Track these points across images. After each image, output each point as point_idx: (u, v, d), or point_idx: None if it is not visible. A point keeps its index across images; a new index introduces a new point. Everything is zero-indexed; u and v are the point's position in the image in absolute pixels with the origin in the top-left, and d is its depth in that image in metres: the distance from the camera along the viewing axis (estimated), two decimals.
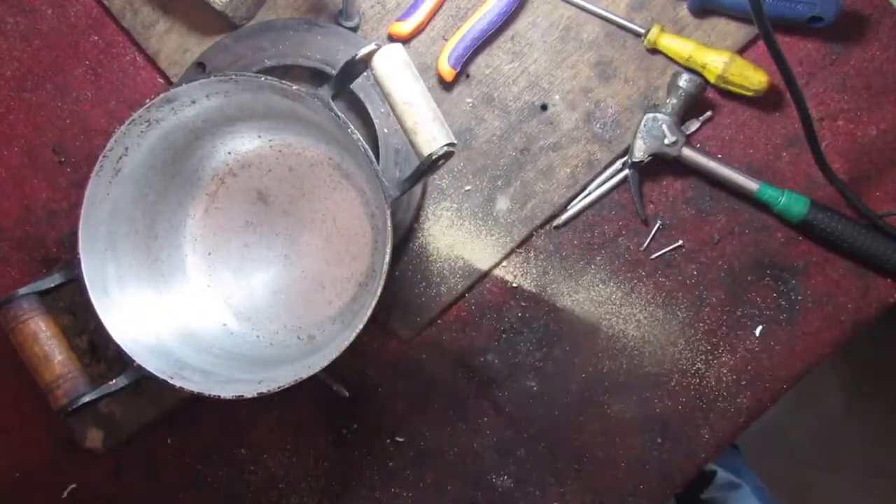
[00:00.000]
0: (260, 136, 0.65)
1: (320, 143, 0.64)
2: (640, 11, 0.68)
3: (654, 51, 0.68)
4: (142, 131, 0.57)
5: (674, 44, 0.67)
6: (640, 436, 0.68)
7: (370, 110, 0.66)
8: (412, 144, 0.53)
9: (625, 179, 0.67)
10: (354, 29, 0.69)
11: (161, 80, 0.70)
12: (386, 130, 0.66)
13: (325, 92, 0.54)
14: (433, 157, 0.52)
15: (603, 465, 0.68)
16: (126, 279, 0.59)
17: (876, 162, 0.67)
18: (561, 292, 0.68)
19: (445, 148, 0.52)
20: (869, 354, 1.38)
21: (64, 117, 0.70)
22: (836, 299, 0.67)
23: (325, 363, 0.53)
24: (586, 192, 0.69)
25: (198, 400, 0.55)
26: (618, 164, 0.68)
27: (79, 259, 0.55)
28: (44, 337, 0.56)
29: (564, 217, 0.68)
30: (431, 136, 0.52)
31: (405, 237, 0.68)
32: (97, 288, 0.55)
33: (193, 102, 0.57)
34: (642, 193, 0.68)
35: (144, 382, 0.61)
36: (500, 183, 0.69)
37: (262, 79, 0.54)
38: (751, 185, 0.66)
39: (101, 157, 0.55)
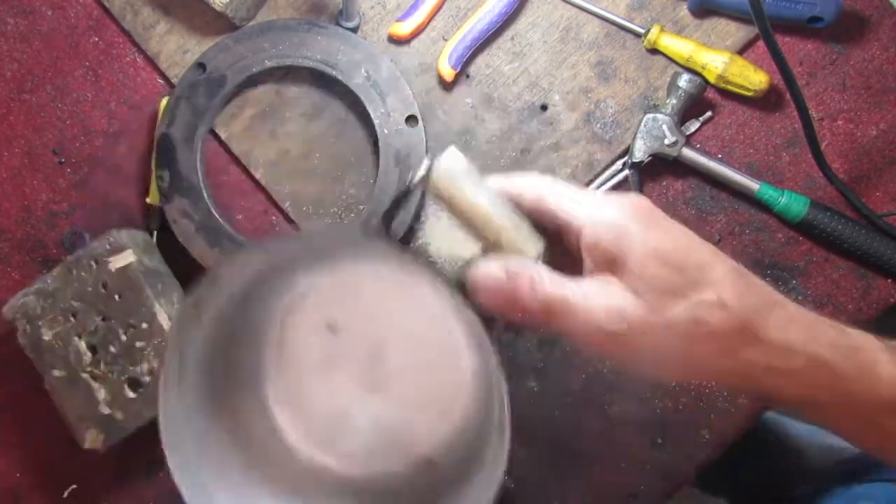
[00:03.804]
0: (311, 264, 0.58)
1: (375, 256, 0.57)
2: (640, 11, 0.68)
3: (654, 51, 0.68)
4: (193, 322, 0.50)
5: (674, 44, 0.67)
6: (640, 436, 0.68)
7: (370, 111, 0.66)
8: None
9: (625, 180, 0.67)
10: (355, 29, 0.69)
11: (161, 81, 0.70)
12: (386, 131, 0.66)
13: (377, 234, 0.48)
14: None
15: (603, 465, 0.68)
16: (235, 488, 0.53)
17: (876, 162, 0.67)
18: None
19: (539, 255, 0.46)
20: None
21: (64, 118, 0.71)
22: (837, 299, 0.67)
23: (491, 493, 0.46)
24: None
25: None
26: (618, 165, 0.68)
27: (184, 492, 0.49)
28: None
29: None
30: (517, 248, 0.46)
31: (405, 237, 0.68)
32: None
33: (242, 272, 0.51)
34: (643, 193, 0.68)
35: (144, 383, 0.62)
36: None
37: (303, 239, 0.48)
38: (751, 185, 0.66)
39: (161, 374, 0.49)
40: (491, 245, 0.47)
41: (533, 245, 0.46)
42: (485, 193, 0.47)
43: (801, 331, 0.45)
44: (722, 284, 0.42)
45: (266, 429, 0.57)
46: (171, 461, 0.49)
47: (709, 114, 0.68)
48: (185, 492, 0.49)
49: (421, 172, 0.47)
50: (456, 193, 0.46)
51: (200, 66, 0.67)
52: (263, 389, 0.58)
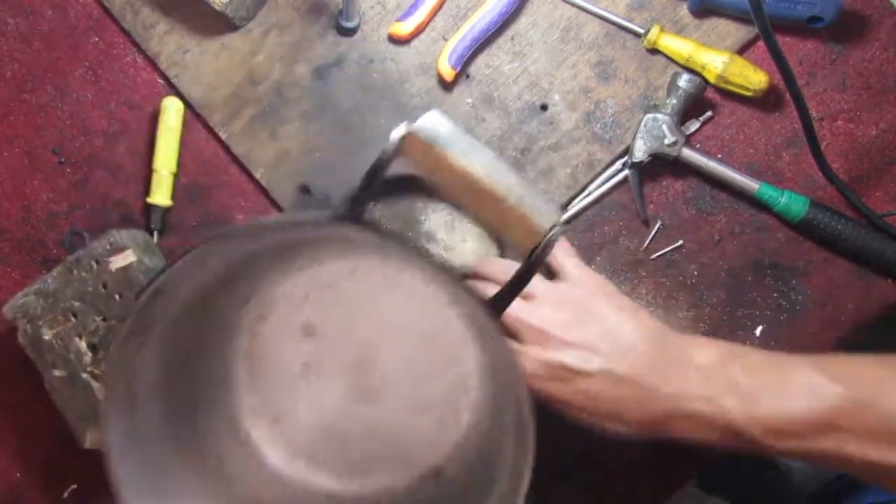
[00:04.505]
0: (279, 263, 0.53)
1: (352, 242, 0.51)
2: (640, 11, 0.68)
3: (654, 51, 0.68)
4: (137, 345, 0.44)
5: (674, 44, 0.67)
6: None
7: None
8: (504, 241, 0.42)
9: (625, 179, 0.67)
10: (354, 29, 0.69)
11: (161, 81, 0.70)
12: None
13: (353, 208, 0.40)
14: (539, 251, 0.39)
15: (603, 464, 0.68)
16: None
17: (876, 162, 0.67)
18: None
19: (556, 231, 0.39)
20: (869, 354, 1.37)
21: (64, 118, 0.70)
22: (837, 299, 0.67)
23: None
24: (586, 192, 0.69)
25: None
26: (618, 165, 0.68)
27: None
28: None
29: (565, 217, 0.68)
30: (534, 219, 0.39)
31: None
32: None
33: (188, 279, 0.45)
34: (643, 193, 0.68)
35: None
36: None
37: (260, 223, 0.42)
38: (751, 185, 0.66)
39: (102, 412, 0.43)
40: (493, 223, 0.40)
41: (548, 215, 0.39)
42: (481, 156, 0.40)
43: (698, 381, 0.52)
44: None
45: (241, 451, 0.52)
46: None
47: (709, 114, 0.68)
48: None
49: (395, 135, 0.39)
50: (440, 159, 0.39)
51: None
52: (234, 407, 0.52)
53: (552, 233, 0.39)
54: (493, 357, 0.50)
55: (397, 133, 0.40)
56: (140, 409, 0.45)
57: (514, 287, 0.41)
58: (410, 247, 0.38)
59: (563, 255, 0.57)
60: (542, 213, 0.39)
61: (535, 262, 0.40)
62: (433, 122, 0.40)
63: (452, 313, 0.51)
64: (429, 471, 0.52)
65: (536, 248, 0.39)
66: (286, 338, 0.52)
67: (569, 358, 0.52)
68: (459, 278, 0.40)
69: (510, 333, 0.54)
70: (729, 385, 0.51)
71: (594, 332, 0.53)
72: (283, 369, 0.52)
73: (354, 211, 0.39)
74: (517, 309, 0.53)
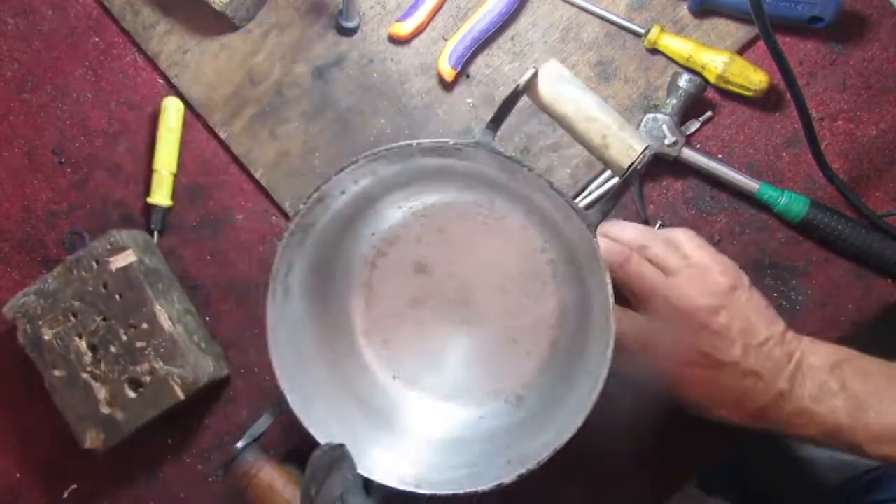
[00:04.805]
0: (400, 207, 0.60)
1: (463, 192, 0.59)
2: (640, 12, 0.68)
3: (654, 51, 0.68)
4: (300, 240, 0.54)
5: (674, 44, 0.67)
6: (640, 435, 0.67)
7: None
8: (605, 161, 0.50)
9: None
10: (354, 29, 0.69)
11: (161, 81, 0.70)
12: None
13: (488, 137, 0.50)
14: (635, 167, 0.49)
15: (603, 464, 0.68)
16: (325, 400, 0.56)
17: (876, 162, 0.67)
18: None
19: (645, 154, 0.48)
20: (869, 354, 1.37)
21: (64, 118, 0.71)
22: (837, 299, 0.67)
23: (572, 431, 0.49)
24: (586, 192, 0.69)
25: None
26: None
27: (283, 395, 0.52)
28: (279, 484, 0.55)
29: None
30: (626, 145, 0.49)
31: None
32: (309, 417, 0.52)
33: (343, 193, 0.54)
34: (643, 193, 0.68)
35: (144, 383, 0.61)
36: None
37: (414, 144, 0.51)
38: (751, 184, 0.66)
39: (271, 281, 0.52)
40: (598, 146, 0.49)
41: (639, 143, 0.49)
42: (592, 98, 0.49)
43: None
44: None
45: (354, 362, 0.61)
46: (275, 365, 0.53)
47: (709, 114, 0.68)
48: (289, 396, 0.52)
49: (526, 77, 0.49)
50: (562, 96, 0.49)
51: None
52: (352, 326, 0.61)
53: (645, 150, 0.48)
54: (578, 296, 0.57)
55: (528, 74, 0.50)
56: (291, 298, 0.55)
57: (614, 197, 0.50)
58: (528, 170, 0.49)
59: (698, 243, 0.58)
60: (637, 138, 0.49)
61: (633, 175, 0.49)
62: (554, 67, 0.50)
63: (543, 258, 0.59)
64: (512, 397, 0.60)
65: (633, 164, 0.48)
66: (399, 273, 0.61)
67: (709, 345, 0.54)
68: (570, 199, 0.49)
69: (642, 299, 0.56)
70: (840, 387, 0.53)
71: (736, 325, 0.54)
72: (395, 300, 0.61)
73: (486, 138, 0.50)
74: (660, 283, 0.56)
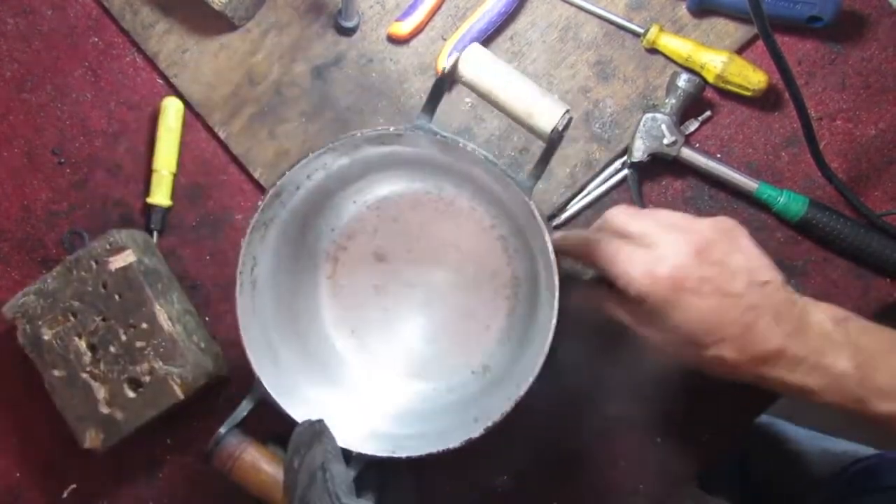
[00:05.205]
0: (355, 202, 0.64)
1: (414, 181, 0.63)
2: (639, 11, 0.68)
3: (653, 50, 0.68)
4: (262, 236, 0.57)
5: (673, 43, 0.67)
6: (639, 435, 0.68)
7: None
8: (531, 129, 0.53)
9: (624, 179, 0.67)
10: (353, 29, 0.69)
11: (161, 82, 0.70)
12: None
13: (423, 120, 0.54)
14: (558, 130, 0.52)
15: (603, 464, 0.68)
16: (301, 384, 0.59)
17: (874, 161, 0.67)
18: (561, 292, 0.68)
19: (566, 116, 0.52)
20: None
21: (64, 118, 0.71)
22: (836, 299, 0.67)
23: (531, 378, 0.52)
24: (585, 192, 0.69)
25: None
26: (617, 164, 0.68)
27: (259, 380, 0.55)
28: (263, 463, 0.56)
29: (564, 217, 0.68)
30: (548, 111, 0.52)
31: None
32: (287, 400, 0.55)
33: (298, 188, 0.57)
34: (642, 193, 0.68)
35: (144, 382, 0.61)
36: None
37: (358, 134, 0.54)
38: (750, 184, 0.66)
39: (238, 275, 0.55)
40: (523, 115, 0.53)
41: (559, 107, 0.52)
42: (512, 73, 0.53)
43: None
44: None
45: (329, 352, 0.65)
46: (249, 353, 0.56)
47: (708, 113, 0.68)
48: (265, 381, 0.55)
49: (450, 62, 0.54)
50: (484, 75, 0.53)
51: None
52: (322, 321, 0.65)
53: (566, 113, 0.52)
54: (530, 259, 0.60)
55: (451, 59, 0.55)
56: (260, 291, 0.58)
57: (547, 153, 0.54)
58: (464, 146, 0.53)
59: (663, 213, 0.54)
60: (557, 104, 0.53)
61: (556, 137, 0.53)
62: (476, 50, 0.54)
63: (493, 234, 0.63)
64: (479, 367, 0.64)
65: (555, 126, 0.52)
66: (360, 264, 0.65)
67: (710, 271, 0.51)
68: (504, 168, 0.53)
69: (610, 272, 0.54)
70: (845, 340, 0.51)
71: (735, 259, 0.52)
72: (358, 290, 0.65)
73: (423, 121, 0.54)
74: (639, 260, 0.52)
